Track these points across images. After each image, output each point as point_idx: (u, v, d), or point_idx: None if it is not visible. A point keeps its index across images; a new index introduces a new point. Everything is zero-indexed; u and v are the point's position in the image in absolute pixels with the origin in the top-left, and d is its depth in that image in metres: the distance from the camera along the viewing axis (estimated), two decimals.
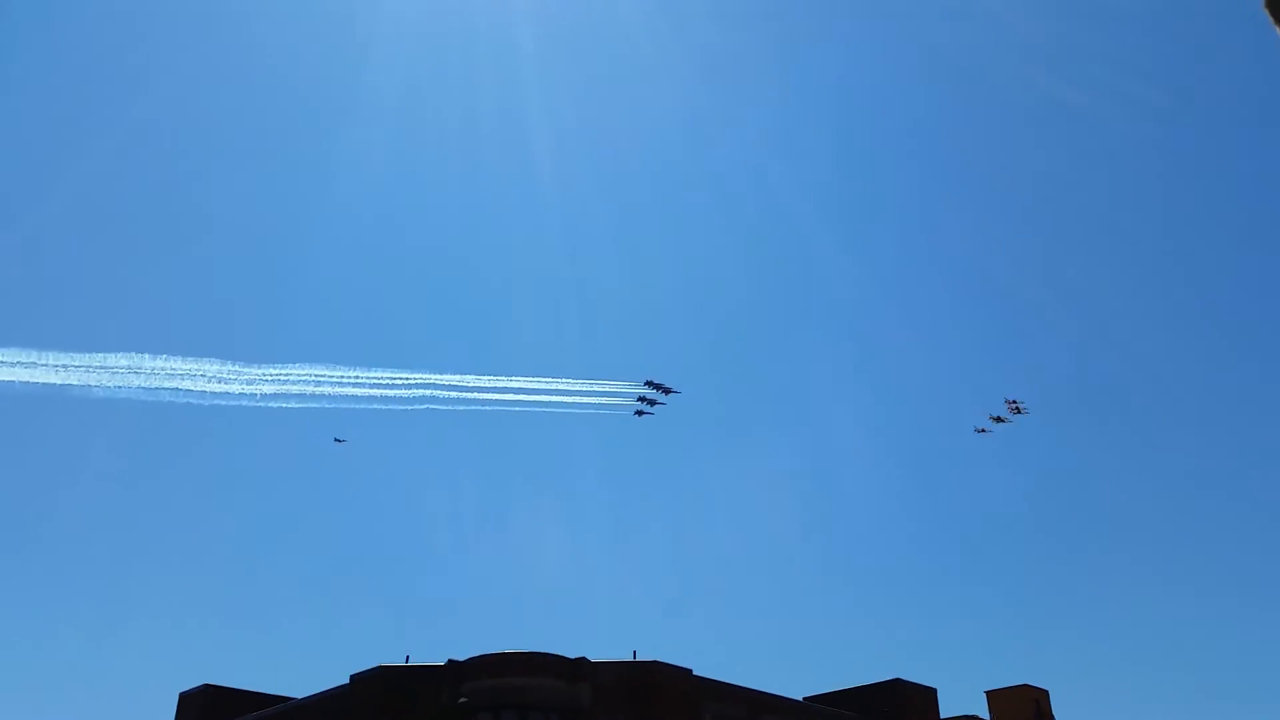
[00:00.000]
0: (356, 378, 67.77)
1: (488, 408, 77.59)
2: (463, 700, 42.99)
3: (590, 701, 44.48)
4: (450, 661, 45.22)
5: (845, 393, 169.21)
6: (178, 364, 61.95)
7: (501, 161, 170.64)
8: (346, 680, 46.68)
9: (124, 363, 60.77)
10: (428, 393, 72.54)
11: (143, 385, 60.93)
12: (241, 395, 63.90)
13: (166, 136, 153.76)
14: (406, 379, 70.13)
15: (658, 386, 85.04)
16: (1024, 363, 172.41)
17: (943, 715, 62.55)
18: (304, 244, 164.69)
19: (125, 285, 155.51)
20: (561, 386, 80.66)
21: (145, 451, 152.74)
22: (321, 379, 65.94)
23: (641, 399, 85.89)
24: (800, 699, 54.74)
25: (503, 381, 77.11)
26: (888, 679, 57.82)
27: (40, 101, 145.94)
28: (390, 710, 43.99)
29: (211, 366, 62.81)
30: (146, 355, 62.03)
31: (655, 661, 46.35)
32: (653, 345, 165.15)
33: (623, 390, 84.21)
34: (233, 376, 62.77)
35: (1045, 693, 76.38)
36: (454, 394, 73.59)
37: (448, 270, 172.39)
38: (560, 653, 45.63)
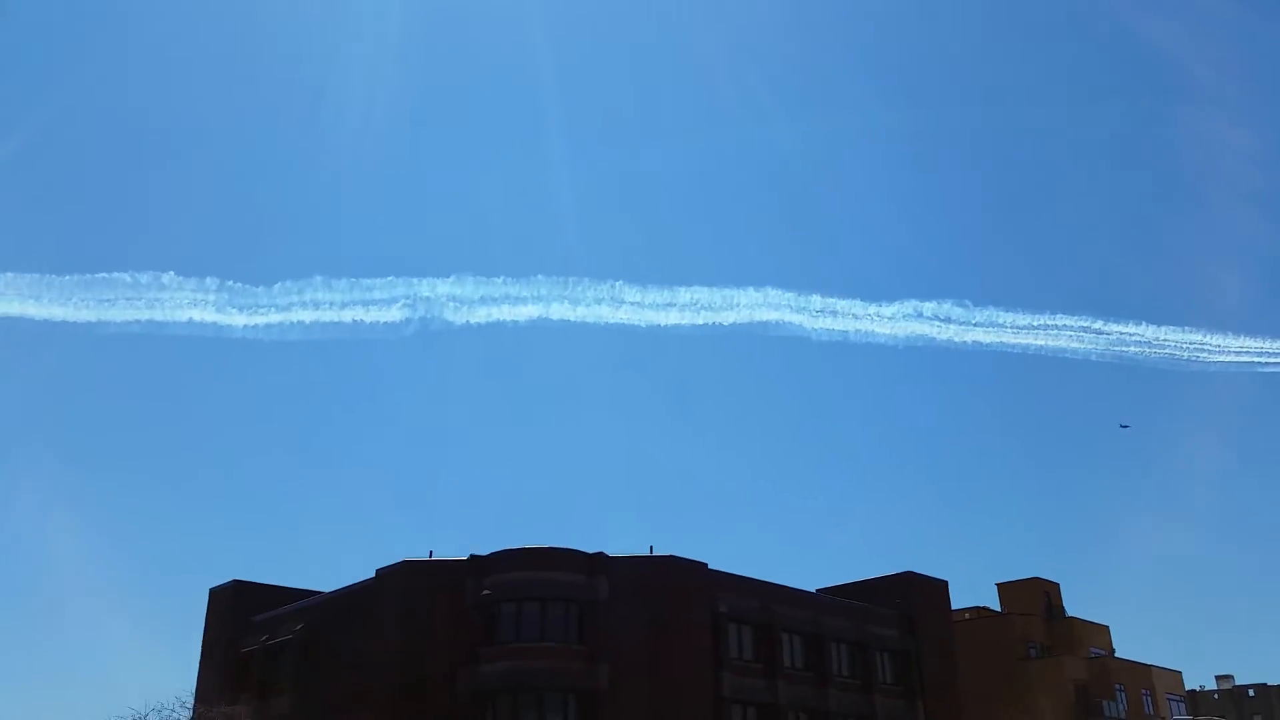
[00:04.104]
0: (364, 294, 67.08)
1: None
2: (486, 593, 44.36)
3: (608, 594, 45.76)
4: (473, 556, 46.48)
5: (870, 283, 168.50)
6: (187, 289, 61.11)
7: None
8: (372, 575, 48.18)
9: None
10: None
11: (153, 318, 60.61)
12: (260, 324, 63.29)
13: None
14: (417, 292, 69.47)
15: None
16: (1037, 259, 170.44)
17: (954, 607, 64.02)
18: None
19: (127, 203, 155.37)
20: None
21: (170, 370, 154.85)
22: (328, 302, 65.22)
23: None
24: (813, 590, 56.04)
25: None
26: (900, 571, 59.03)
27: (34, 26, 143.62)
28: (415, 603, 45.43)
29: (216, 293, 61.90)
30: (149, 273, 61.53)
31: (671, 556, 47.48)
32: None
33: None
34: (248, 301, 62.17)
35: (1056, 585, 77.91)
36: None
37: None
38: (579, 548, 46.88)
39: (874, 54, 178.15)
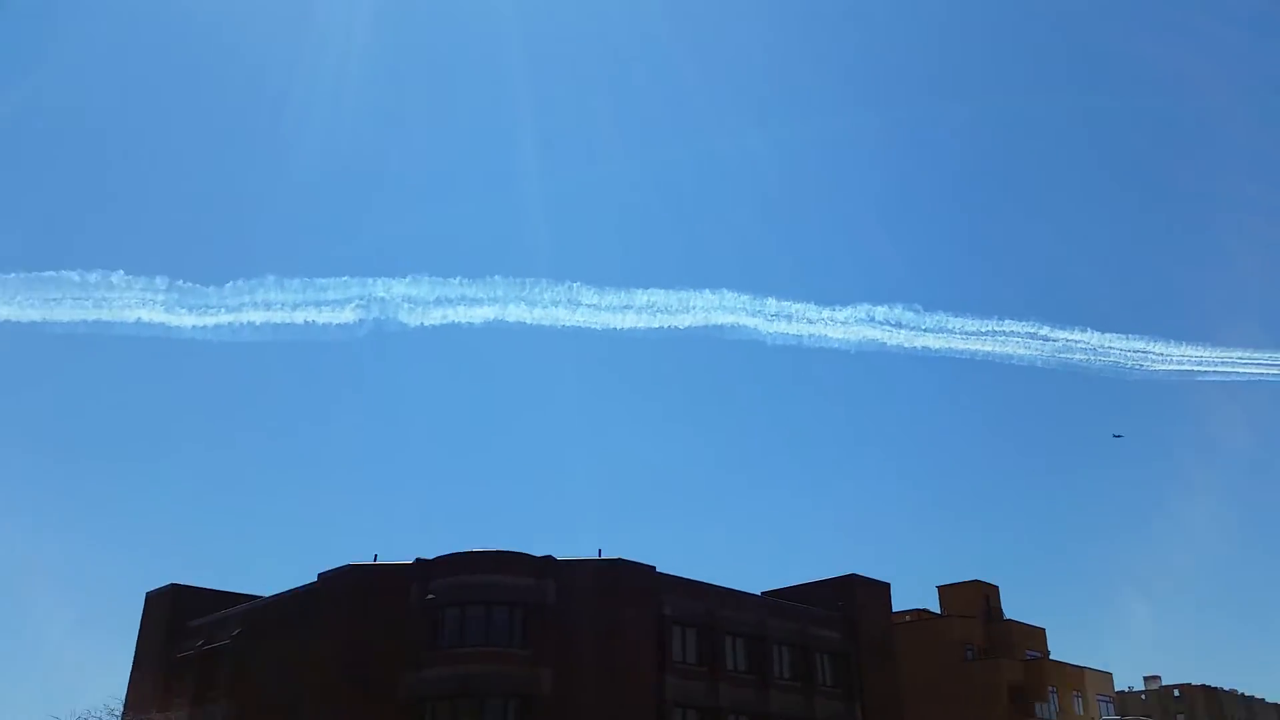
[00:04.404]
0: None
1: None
2: (430, 597, 43.99)
3: (556, 598, 45.66)
4: (418, 560, 46.05)
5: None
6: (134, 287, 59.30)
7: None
8: (315, 579, 47.47)
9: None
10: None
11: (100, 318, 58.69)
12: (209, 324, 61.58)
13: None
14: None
15: None
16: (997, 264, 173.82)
17: (895, 609, 64.96)
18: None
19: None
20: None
21: (114, 366, 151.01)
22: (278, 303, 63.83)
23: None
24: (758, 594, 56.43)
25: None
26: (843, 574, 59.71)
27: None
28: (357, 607, 44.87)
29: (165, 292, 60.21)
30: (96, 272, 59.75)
31: (620, 559, 47.52)
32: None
33: None
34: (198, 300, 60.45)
35: (995, 588, 79.52)
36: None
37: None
38: (529, 551, 46.70)
39: (842, 61, 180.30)
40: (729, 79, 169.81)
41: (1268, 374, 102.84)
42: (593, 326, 71.83)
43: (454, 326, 70.07)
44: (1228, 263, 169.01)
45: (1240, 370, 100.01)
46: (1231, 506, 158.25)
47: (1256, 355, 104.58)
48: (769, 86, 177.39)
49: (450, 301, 66.10)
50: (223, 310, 60.25)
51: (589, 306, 74.12)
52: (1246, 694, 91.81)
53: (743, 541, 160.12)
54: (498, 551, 46.09)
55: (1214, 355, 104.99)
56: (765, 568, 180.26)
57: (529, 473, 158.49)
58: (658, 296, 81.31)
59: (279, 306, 61.17)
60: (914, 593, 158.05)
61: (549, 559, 46.58)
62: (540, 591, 45.69)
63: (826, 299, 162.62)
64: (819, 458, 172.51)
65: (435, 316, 66.83)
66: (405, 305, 64.77)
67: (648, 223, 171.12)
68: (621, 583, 46.98)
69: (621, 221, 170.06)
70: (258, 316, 60.96)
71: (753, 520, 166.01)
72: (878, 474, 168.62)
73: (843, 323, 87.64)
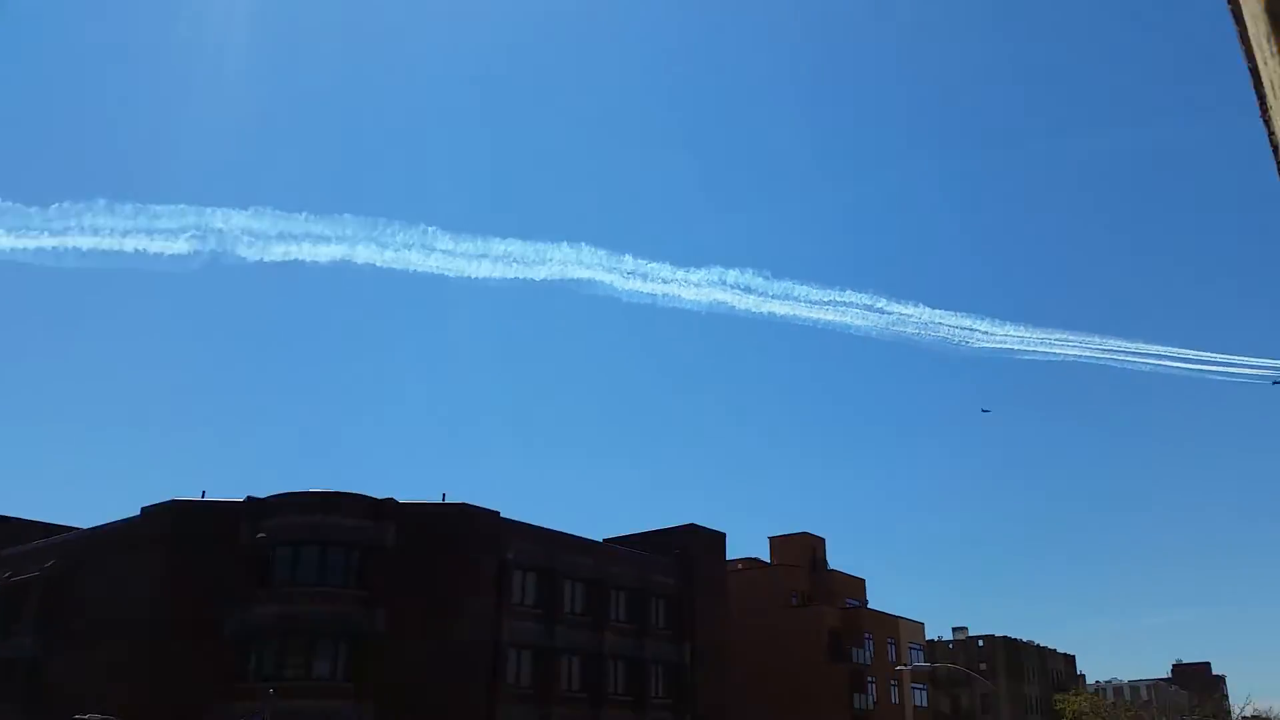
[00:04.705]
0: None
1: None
2: (261, 536, 42.81)
3: (395, 541, 45.21)
4: (249, 498, 44.66)
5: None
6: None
7: None
8: (138, 513, 45.45)
9: None
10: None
11: None
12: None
13: None
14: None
15: None
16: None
17: (729, 557, 67.39)
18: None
19: None
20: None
21: None
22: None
23: None
24: (600, 540, 57.43)
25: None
26: (683, 524, 61.44)
27: None
28: (182, 543, 43.28)
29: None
30: None
31: (463, 504, 47.38)
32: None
33: None
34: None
35: (822, 540, 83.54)
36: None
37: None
38: (368, 494, 45.95)
39: (748, 22, 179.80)
40: (610, 33, 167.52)
41: (1083, 355, 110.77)
42: (446, 273, 70.14)
43: (298, 264, 67.03)
44: (1051, 249, 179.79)
45: (1057, 351, 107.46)
46: (1031, 479, 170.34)
47: (1069, 336, 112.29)
48: (652, 44, 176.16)
49: (294, 237, 62.95)
50: (46, 233, 55.51)
51: (443, 252, 72.45)
52: (1040, 644, 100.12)
53: (589, 490, 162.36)
54: (334, 492, 45.18)
55: (1034, 335, 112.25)
56: (610, 516, 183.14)
57: (373, 416, 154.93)
58: (515, 247, 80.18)
59: (108, 232, 56.78)
60: (748, 542, 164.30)
61: (389, 501, 45.99)
62: (378, 533, 45.13)
63: (682, 260, 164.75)
64: (665, 412, 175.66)
65: (277, 252, 63.64)
66: (245, 239, 61.30)
67: (512, 174, 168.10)
68: (464, 527, 46.92)
69: (486, 171, 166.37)
70: (84, 242, 56.46)
71: (599, 470, 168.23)
72: (720, 430, 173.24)
73: (696, 284, 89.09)
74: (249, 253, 61.77)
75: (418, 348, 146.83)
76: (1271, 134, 4.26)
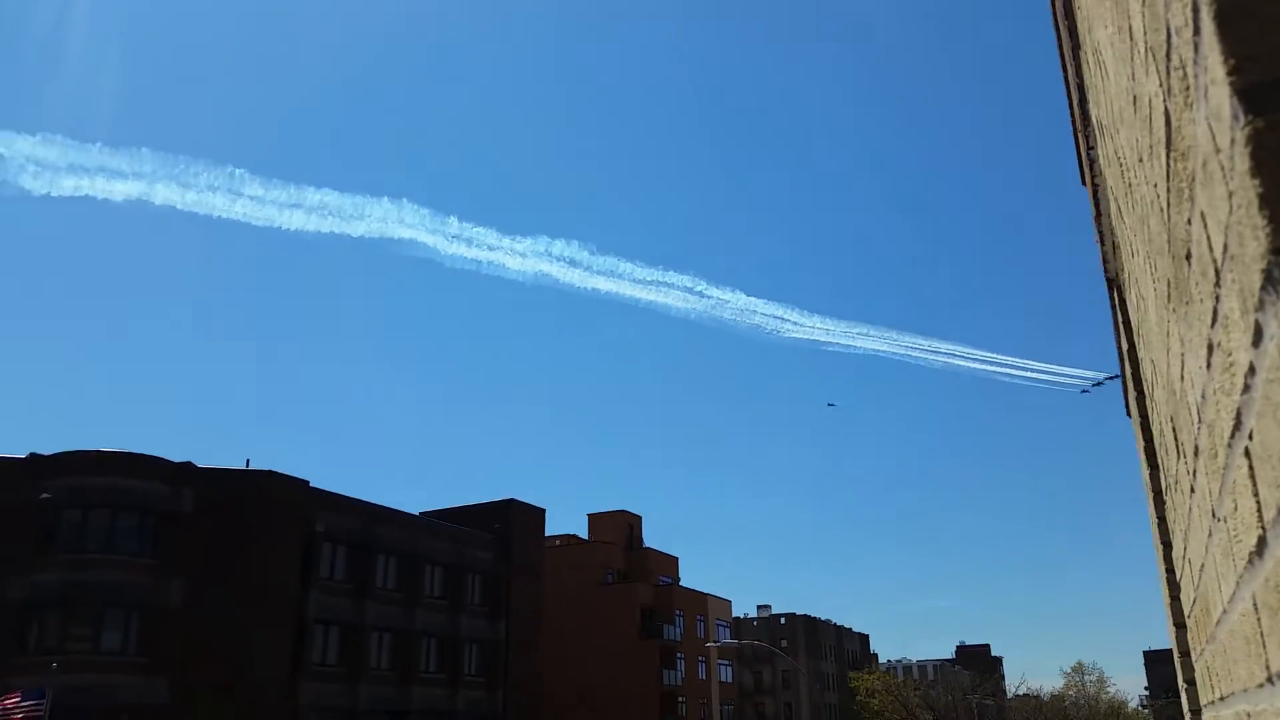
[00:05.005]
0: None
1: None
2: (45, 496, 39.58)
3: (194, 507, 42.75)
4: (32, 455, 41.19)
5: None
6: None
7: None
8: None
9: None
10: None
11: None
12: None
13: None
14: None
15: None
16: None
17: (548, 533, 67.51)
18: None
19: None
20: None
21: None
22: None
23: None
24: (416, 513, 56.27)
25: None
26: (502, 499, 60.98)
27: None
28: None
29: None
30: None
31: (269, 471, 45.28)
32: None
33: None
34: None
35: (639, 518, 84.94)
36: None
37: None
38: (166, 456, 43.24)
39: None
40: None
41: (882, 349, 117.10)
42: (254, 222, 66.66)
43: (90, 201, 61.95)
44: (872, 243, 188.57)
45: (858, 345, 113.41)
46: (838, 468, 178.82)
47: (871, 330, 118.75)
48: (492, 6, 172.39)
49: (87, 171, 58.08)
50: None
51: (252, 199, 68.64)
52: (838, 624, 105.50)
53: (408, 464, 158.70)
54: (127, 453, 42.25)
55: (839, 328, 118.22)
56: (430, 490, 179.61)
57: (172, 374, 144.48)
58: (331, 198, 76.92)
59: None
60: (567, 519, 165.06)
61: (188, 465, 43.43)
62: (175, 499, 42.59)
63: (509, 228, 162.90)
64: (487, 386, 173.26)
65: (67, 186, 58.56)
66: (31, 168, 56.07)
67: (336, 120, 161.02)
68: (269, 495, 44.85)
69: (308, 113, 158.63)
70: None
71: (420, 443, 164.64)
72: (542, 405, 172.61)
73: (522, 254, 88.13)
74: (35, 185, 56.65)
75: (222, 302, 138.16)
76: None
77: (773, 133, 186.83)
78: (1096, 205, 4.94)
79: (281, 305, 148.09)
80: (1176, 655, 4.23)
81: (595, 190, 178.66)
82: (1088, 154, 4.49)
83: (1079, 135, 5.43)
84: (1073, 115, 6.35)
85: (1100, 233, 5.39)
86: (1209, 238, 1.08)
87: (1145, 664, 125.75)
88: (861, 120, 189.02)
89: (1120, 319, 5.38)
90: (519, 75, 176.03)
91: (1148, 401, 3.89)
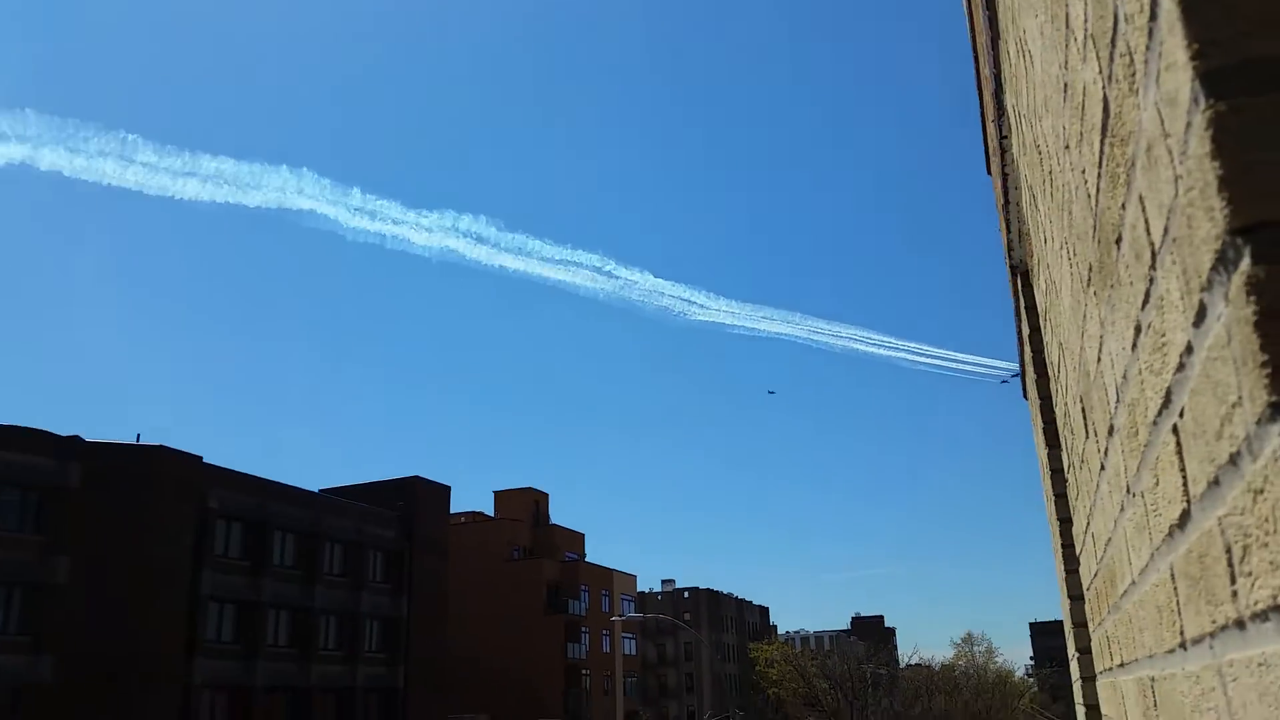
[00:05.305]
0: None
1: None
2: None
3: (82, 482, 41.04)
4: None
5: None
6: None
7: None
8: None
9: None
10: None
11: None
12: None
13: None
14: None
15: None
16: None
17: (454, 510, 66.93)
18: None
19: None
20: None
21: None
22: None
23: None
24: (316, 490, 55.14)
25: None
26: (406, 476, 60.18)
27: None
28: None
29: None
30: None
31: (160, 446, 43.75)
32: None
33: None
34: None
35: (545, 495, 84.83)
36: None
37: None
38: (50, 430, 41.38)
39: None
40: None
41: (785, 332, 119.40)
42: (146, 190, 64.03)
43: None
44: (788, 233, 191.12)
45: (763, 328, 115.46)
46: (742, 447, 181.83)
47: (774, 313, 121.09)
48: None
49: None
50: None
51: (145, 165, 65.86)
52: (739, 597, 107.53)
53: (309, 440, 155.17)
54: (10, 426, 40.26)
55: (744, 310, 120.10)
56: (334, 468, 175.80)
57: (55, 347, 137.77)
58: (227, 166, 74.30)
59: None
60: (473, 496, 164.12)
61: (75, 439, 41.66)
62: (61, 474, 40.82)
63: (414, 201, 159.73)
64: (391, 362, 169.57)
65: None
66: None
67: (230, 84, 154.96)
68: (160, 471, 43.35)
69: (202, 79, 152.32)
70: None
71: (321, 419, 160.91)
72: (447, 380, 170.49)
73: (428, 229, 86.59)
74: None
75: (114, 272, 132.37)
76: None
77: (685, 111, 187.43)
78: (1005, 194, 5.08)
79: (175, 276, 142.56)
80: (1070, 626, 4.42)
81: (504, 164, 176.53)
82: (1000, 143, 4.60)
83: (990, 125, 5.58)
84: (982, 106, 6.52)
85: (1007, 220, 5.55)
86: (1147, 221, 1.11)
87: (1031, 635, 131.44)
88: (780, 103, 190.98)
89: (1023, 304, 5.56)
90: (424, 41, 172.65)
91: (1051, 384, 4.04)
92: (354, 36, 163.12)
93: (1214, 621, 1.04)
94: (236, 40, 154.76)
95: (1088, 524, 2.79)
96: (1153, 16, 0.91)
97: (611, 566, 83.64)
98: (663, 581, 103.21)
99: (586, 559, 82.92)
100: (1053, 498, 4.72)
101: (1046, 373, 4.50)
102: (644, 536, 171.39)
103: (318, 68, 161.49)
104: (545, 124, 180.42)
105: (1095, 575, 2.74)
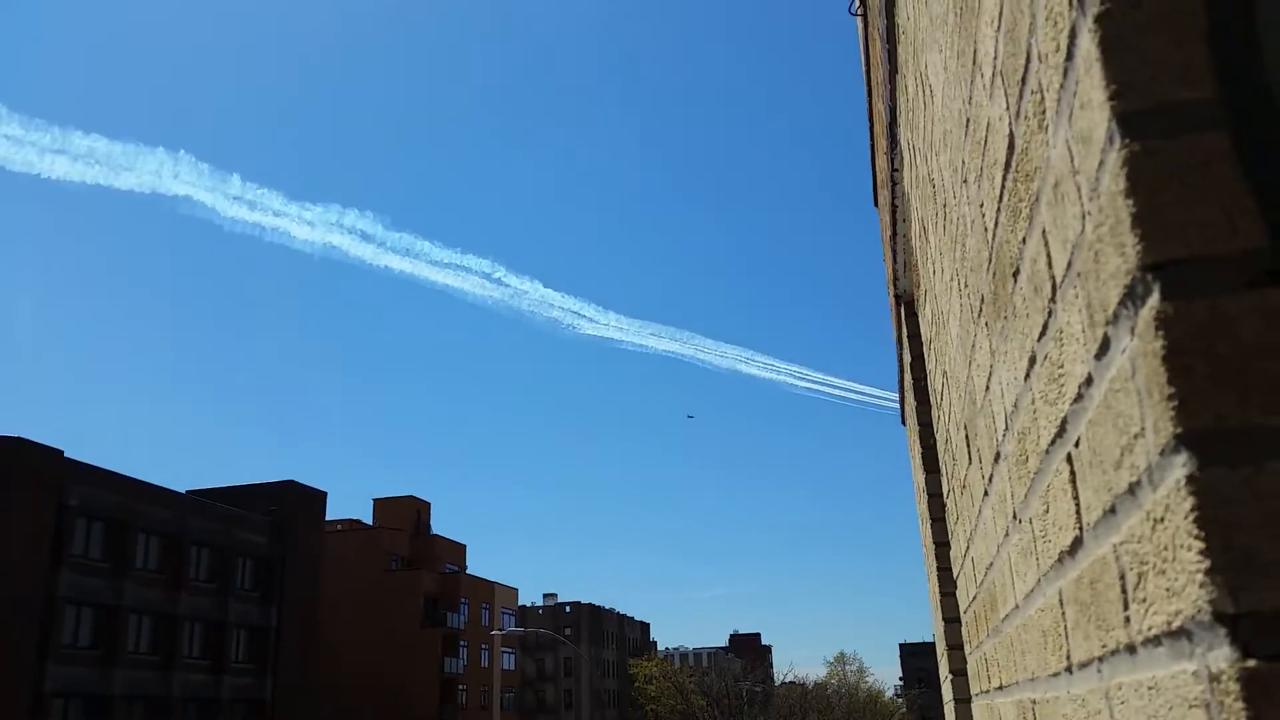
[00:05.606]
0: None
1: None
2: None
3: None
4: None
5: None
6: None
7: None
8: None
9: None
10: None
11: None
12: None
13: None
14: None
15: None
16: None
17: (331, 518, 65.14)
18: None
19: None
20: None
21: None
22: None
23: None
24: (183, 491, 52.88)
25: None
26: (281, 480, 58.32)
27: None
28: None
29: None
30: None
31: (16, 438, 41.33)
32: None
33: None
34: None
35: (428, 504, 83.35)
36: None
37: None
38: None
39: None
40: None
41: (672, 350, 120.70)
42: (10, 165, 60.66)
43: None
44: (676, 249, 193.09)
45: (650, 344, 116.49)
46: (625, 464, 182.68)
47: (662, 330, 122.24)
48: None
49: None
50: None
51: (8, 139, 62.42)
52: (620, 612, 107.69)
53: (179, 439, 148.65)
54: None
55: (633, 326, 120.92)
56: (202, 469, 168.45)
57: None
58: (100, 144, 71.02)
59: None
60: (352, 504, 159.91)
61: None
62: None
63: (298, 193, 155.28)
64: (267, 361, 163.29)
65: None
66: None
67: (107, 57, 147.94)
68: (16, 464, 40.93)
69: (76, 51, 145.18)
70: None
71: (191, 417, 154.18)
72: (328, 385, 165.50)
73: (310, 223, 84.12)
74: None
75: None
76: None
77: (582, 119, 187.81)
78: (894, 225, 5.21)
79: (37, 260, 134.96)
80: (944, 649, 4.54)
81: (395, 159, 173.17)
82: (891, 175, 4.72)
83: (880, 157, 5.74)
84: (873, 139, 6.70)
85: (894, 251, 5.70)
86: (1049, 255, 1.14)
87: (901, 656, 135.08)
88: (677, 126, 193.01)
89: (906, 333, 5.71)
90: (317, 25, 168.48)
91: (933, 411, 4.15)
92: (246, 12, 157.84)
93: (1104, 646, 1.07)
94: (117, 11, 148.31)
95: (967, 548, 2.86)
96: (1069, 57, 0.94)
97: (493, 579, 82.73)
98: (545, 595, 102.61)
99: (468, 571, 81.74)
100: (929, 521, 4.85)
101: (928, 400, 4.62)
102: (528, 550, 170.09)
103: (204, 44, 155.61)
104: (440, 122, 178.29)
105: (974, 599, 2.81)
